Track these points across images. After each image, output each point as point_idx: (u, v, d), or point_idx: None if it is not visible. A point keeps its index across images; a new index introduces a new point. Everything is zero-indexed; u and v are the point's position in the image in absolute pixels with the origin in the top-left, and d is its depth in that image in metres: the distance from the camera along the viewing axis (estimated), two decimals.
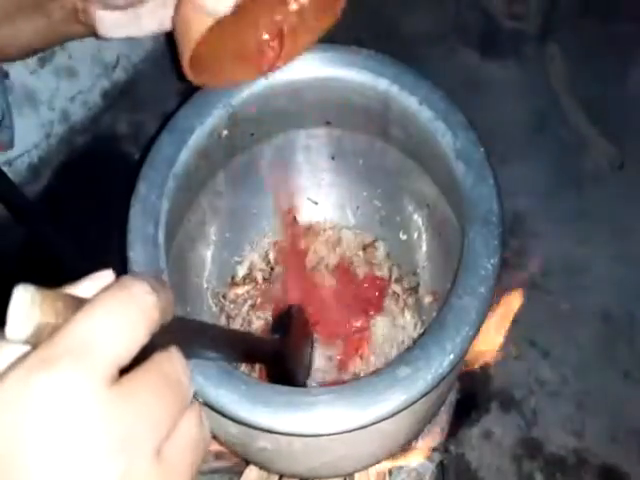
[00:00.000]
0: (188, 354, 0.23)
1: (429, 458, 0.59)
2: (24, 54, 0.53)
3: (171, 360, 0.22)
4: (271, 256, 0.64)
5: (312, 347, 0.55)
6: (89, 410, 0.18)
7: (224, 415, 0.38)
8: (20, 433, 0.17)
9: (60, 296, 0.19)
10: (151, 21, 0.49)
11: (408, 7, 1.05)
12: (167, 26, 0.48)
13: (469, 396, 0.74)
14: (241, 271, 0.63)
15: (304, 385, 0.52)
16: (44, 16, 0.46)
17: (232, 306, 0.62)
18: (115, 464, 0.18)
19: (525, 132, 0.96)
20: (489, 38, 1.03)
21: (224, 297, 0.62)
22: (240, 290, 0.62)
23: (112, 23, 0.47)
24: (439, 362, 0.40)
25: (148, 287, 0.21)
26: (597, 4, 1.02)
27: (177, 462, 0.21)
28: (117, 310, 0.20)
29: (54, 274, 0.77)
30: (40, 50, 0.55)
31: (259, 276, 0.63)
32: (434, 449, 0.62)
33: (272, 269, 0.63)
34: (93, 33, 0.50)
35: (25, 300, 0.18)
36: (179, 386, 0.21)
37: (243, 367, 0.56)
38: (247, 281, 0.63)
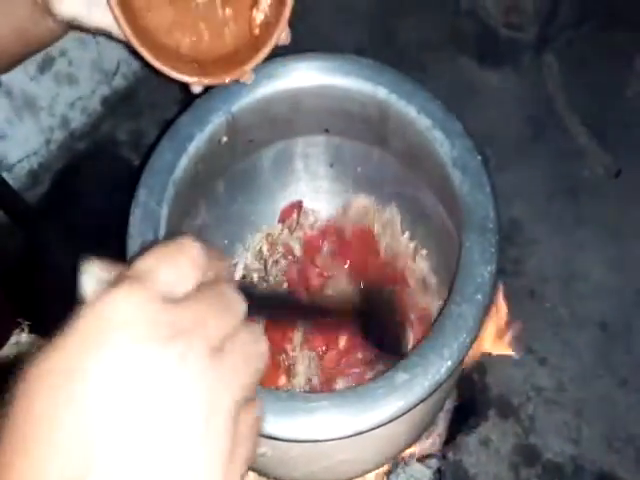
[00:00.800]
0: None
1: (427, 464, 0.59)
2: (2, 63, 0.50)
3: (223, 285, 0.25)
4: (264, 248, 0.64)
5: None
6: (147, 310, 0.22)
7: None
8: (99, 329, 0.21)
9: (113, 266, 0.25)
10: (100, 11, 0.45)
11: (407, 15, 1.06)
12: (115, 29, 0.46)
13: (467, 403, 0.74)
14: (237, 275, 0.63)
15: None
16: (9, 7, 0.44)
17: None
18: (173, 345, 0.21)
19: (522, 140, 0.96)
20: (487, 47, 1.03)
21: None
22: None
23: None
24: (436, 369, 0.41)
25: (195, 242, 0.25)
26: (594, 13, 1.03)
27: (232, 364, 0.23)
28: (169, 253, 0.24)
29: (53, 278, 0.78)
30: (16, 58, 0.51)
31: (255, 276, 0.63)
32: (432, 455, 0.62)
33: (266, 265, 0.63)
34: (55, 34, 0.47)
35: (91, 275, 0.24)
36: (231, 301, 0.25)
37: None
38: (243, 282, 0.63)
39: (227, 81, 0.50)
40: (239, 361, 0.23)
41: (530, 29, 0.99)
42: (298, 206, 0.66)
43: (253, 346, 0.24)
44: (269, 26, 0.48)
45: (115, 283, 0.22)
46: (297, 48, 0.54)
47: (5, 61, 0.50)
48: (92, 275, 0.24)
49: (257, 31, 0.49)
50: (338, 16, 1.07)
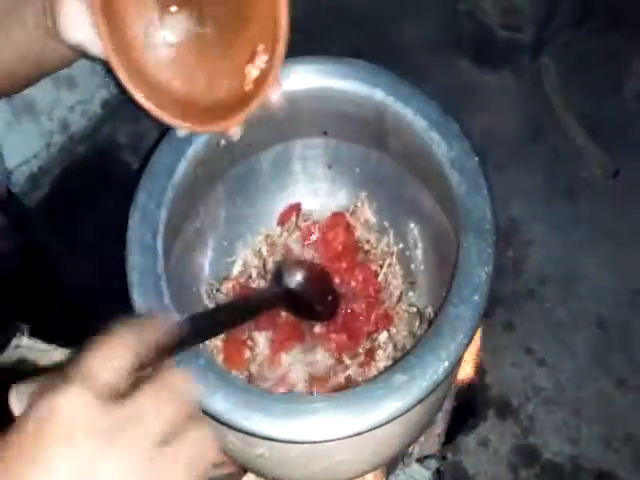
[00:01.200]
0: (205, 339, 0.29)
1: (426, 465, 0.59)
2: (7, 83, 0.51)
3: (172, 374, 0.26)
4: (264, 249, 0.64)
5: (329, 284, 0.58)
6: (85, 415, 0.23)
7: (221, 422, 0.39)
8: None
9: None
10: None
11: (404, 17, 1.06)
12: None
13: (466, 403, 0.74)
14: (236, 269, 0.64)
15: (331, 316, 0.56)
16: (19, 24, 0.46)
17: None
18: (114, 448, 0.23)
19: (520, 141, 0.97)
20: (484, 48, 1.04)
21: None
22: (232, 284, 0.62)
23: (73, 18, 0.44)
24: (434, 369, 0.41)
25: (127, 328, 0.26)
26: (591, 15, 1.03)
27: (174, 463, 0.24)
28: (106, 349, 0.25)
29: (52, 281, 0.78)
30: (31, 81, 0.53)
31: (254, 273, 0.63)
32: (431, 456, 0.62)
33: (265, 264, 0.64)
34: (68, 59, 0.49)
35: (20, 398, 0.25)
36: (176, 393, 0.25)
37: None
38: (242, 276, 0.63)
39: (212, 131, 0.50)
40: (183, 461, 0.24)
41: (528, 30, 1.00)
42: (297, 209, 0.66)
43: (200, 448, 0.25)
44: (260, 83, 0.47)
45: (53, 387, 0.23)
46: (294, 51, 0.55)
47: (21, 83, 0.52)
48: (23, 396, 0.25)
49: (249, 87, 0.48)
50: (336, 17, 1.07)
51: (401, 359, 0.42)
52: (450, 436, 0.71)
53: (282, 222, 0.66)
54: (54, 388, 0.23)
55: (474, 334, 0.44)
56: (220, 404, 0.38)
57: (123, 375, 0.25)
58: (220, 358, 0.57)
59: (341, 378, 0.55)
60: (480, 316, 0.45)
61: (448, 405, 0.67)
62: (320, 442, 0.38)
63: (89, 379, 0.24)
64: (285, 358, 0.56)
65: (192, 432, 0.25)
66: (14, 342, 0.56)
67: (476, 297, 0.45)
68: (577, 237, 0.90)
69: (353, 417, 0.39)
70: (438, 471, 0.61)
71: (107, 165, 0.90)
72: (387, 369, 0.43)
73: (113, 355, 0.25)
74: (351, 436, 0.38)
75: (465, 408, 0.74)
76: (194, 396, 0.26)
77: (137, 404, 0.24)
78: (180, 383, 0.26)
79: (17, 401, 0.24)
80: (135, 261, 0.45)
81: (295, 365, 0.55)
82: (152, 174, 0.50)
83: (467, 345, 0.43)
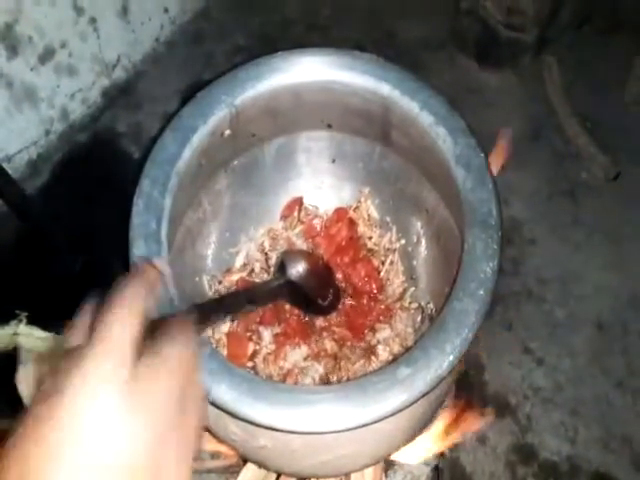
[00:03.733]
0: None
1: (425, 461, 0.59)
2: None
3: (183, 327, 0.27)
4: (266, 243, 0.64)
5: (330, 277, 0.58)
6: (115, 380, 0.24)
7: (225, 411, 0.38)
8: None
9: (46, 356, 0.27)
10: None
11: (408, 16, 1.06)
12: None
13: (465, 401, 0.74)
14: (238, 262, 0.63)
15: (332, 309, 0.56)
16: None
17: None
18: (141, 413, 0.23)
19: (521, 141, 0.97)
20: (487, 47, 1.04)
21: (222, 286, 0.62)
22: (235, 277, 0.61)
23: None
24: (439, 363, 0.41)
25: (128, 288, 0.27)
26: (594, 16, 1.04)
27: (187, 420, 0.25)
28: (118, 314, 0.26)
29: (52, 268, 0.77)
30: None
31: (257, 266, 0.63)
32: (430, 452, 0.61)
33: (267, 259, 0.63)
34: None
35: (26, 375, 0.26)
36: (191, 350, 0.27)
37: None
38: (244, 269, 0.62)
39: None
40: (194, 417, 0.26)
41: (530, 30, 1.00)
42: (299, 203, 0.65)
43: (202, 405, 0.27)
44: None
45: (72, 353, 0.24)
46: (297, 45, 0.55)
47: None
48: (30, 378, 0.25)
49: None
50: (338, 16, 1.07)
51: (405, 353, 0.42)
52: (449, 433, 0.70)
53: (285, 216, 0.65)
54: (73, 354, 0.24)
55: (479, 329, 0.43)
56: (226, 394, 0.38)
57: (139, 331, 0.25)
58: (224, 353, 0.56)
59: (344, 374, 0.55)
60: (485, 311, 0.44)
61: (447, 402, 0.66)
62: (323, 433, 0.38)
63: (107, 340, 0.24)
64: (290, 353, 0.55)
65: (198, 388, 0.27)
66: (11, 329, 0.55)
67: (481, 292, 0.45)
68: (577, 238, 0.90)
69: (357, 409, 0.38)
70: (437, 467, 0.61)
71: (106, 153, 0.89)
72: (390, 363, 0.42)
73: (127, 313, 0.25)
74: (355, 428, 0.38)
75: (464, 406, 0.74)
76: (199, 350, 0.27)
77: (156, 361, 0.25)
78: (190, 335, 0.27)
79: (24, 381, 0.24)
80: (139, 248, 0.45)
81: (300, 363, 0.55)
82: (156, 162, 0.49)
83: (472, 339, 0.43)
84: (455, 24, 1.05)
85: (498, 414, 0.77)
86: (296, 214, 0.65)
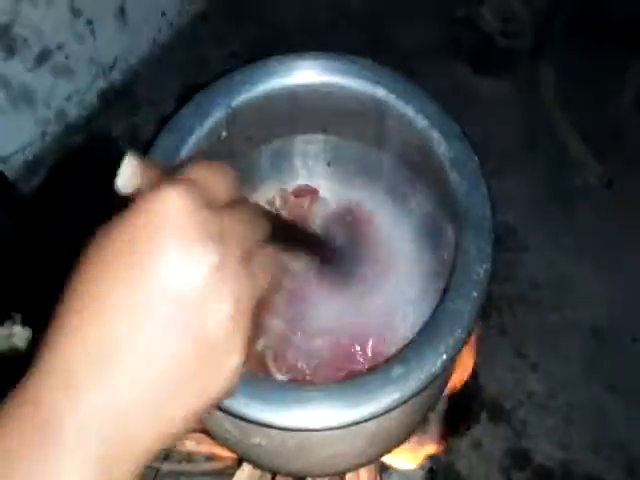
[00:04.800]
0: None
1: (420, 464, 0.59)
2: None
3: (250, 204, 0.28)
4: (277, 202, 0.64)
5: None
6: (198, 214, 0.24)
7: (220, 409, 0.38)
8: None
9: (156, 167, 0.25)
10: None
11: (404, 21, 1.07)
12: None
13: (459, 406, 0.74)
14: None
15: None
16: None
17: None
18: (214, 251, 0.23)
19: (516, 147, 0.98)
20: (483, 54, 1.05)
21: None
22: None
23: None
24: (432, 362, 0.41)
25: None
26: (589, 24, 1.05)
27: (258, 274, 0.25)
28: (215, 166, 0.26)
29: (46, 269, 0.77)
30: None
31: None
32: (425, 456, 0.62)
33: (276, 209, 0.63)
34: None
35: (132, 167, 0.24)
36: (258, 219, 0.27)
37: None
38: None
39: None
40: (264, 273, 0.26)
41: (526, 38, 1.01)
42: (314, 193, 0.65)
43: (272, 264, 0.27)
44: None
45: (169, 182, 0.23)
46: (293, 50, 0.55)
47: None
48: (135, 170, 0.24)
49: None
50: (334, 21, 1.08)
51: (399, 351, 0.42)
52: (443, 438, 0.70)
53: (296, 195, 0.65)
54: (162, 187, 0.23)
55: (472, 330, 0.44)
56: None
57: (226, 199, 0.25)
58: None
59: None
60: (478, 313, 0.45)
61: (441, 406, 0.67)
62: (317, 431, 0.38)
63: (197, 185, 0.24)
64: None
65: (267, 250, 0.27)
66: (6, 330, 0.55)
67: (474, 293, 0.45)
68: (571, 244, 0.91)
69: (351, 407, 0.38)
70: (431, 470, 0.61)
71: (102, 155, 0.90)
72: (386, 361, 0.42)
73: (218, 171, 0.26)
74: (349, 425, 0.38)
75: (458, 410, 0.74)
76: (269, 227, 0.28)
77: (237, 218, 0.25)
78: (261, 213, 0.28)
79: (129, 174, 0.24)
80: None
81: None
82: None
83: (465, 340, 0.43)
84: (451, 31, 1.06)
85: (492, 419, 0.77)
86: (306, 205, 0.65)
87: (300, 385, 0.47)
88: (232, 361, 0.25)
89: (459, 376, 0.70)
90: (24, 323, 0.56)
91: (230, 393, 0.26)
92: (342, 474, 0.54)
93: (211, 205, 0.24)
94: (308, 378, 0.52)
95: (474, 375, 0.78)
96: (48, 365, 0.22)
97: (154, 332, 0.23)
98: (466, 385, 0.75)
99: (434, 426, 0.66)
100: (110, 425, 0.22)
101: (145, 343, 0.23)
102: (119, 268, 0.23)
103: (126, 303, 0.23)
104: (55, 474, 0.21)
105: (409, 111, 0.54)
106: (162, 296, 0.23)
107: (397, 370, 0.40)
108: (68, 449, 0.21)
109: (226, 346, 0.24)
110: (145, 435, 0.23)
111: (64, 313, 0.23)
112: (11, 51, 0.77)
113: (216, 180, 0.25)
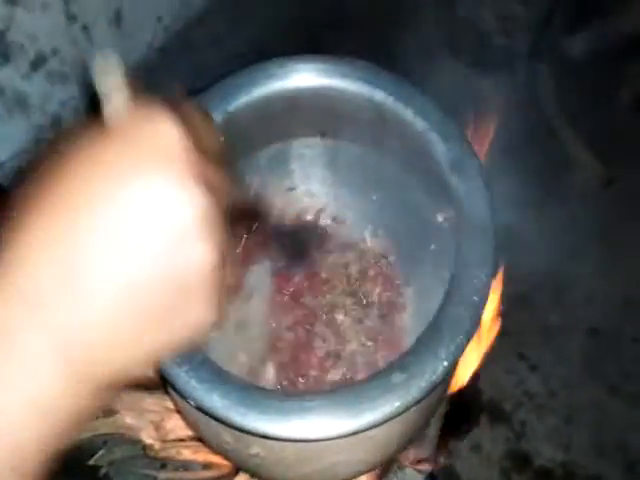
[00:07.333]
0: None
1: (419, 469, 0.59)
2: None
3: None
4: None
5: None
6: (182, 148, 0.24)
7: (217, 419, 0.38)
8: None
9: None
10: None
11: (402, 22, 1.06)
12: None
13: (459, 408, 0.74)
14: None
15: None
16: None
17: None
18: (206, 196, 0.23)
19: (515, 147, 0.97)
20: (481, 54, 1.04)
21: None
22: None
23: None
24: (433, 369, 0.40)
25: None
26: (587, 23, 1.04)
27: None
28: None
29: None
30: None
31: None
32: (424, 460, 0.61)
33: None
34: None
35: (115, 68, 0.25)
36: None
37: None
38: None
39: None
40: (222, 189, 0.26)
41: (524, 37, 1.01)
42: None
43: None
44: None
45: (165, 111, 0.24)
46: (292, 52, 0.55)
47: None
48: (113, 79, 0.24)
49: None
50: (333, 22, 1.08)
51: (400, 358, 0.41)
52: (443, 440, 0.70)
53: None
54: (161, 113, 0.24)
55: (473, 335, 0.43)
56: (217, 402, 0.38)
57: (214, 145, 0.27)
58: None
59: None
60: (480, 317, 0.44)
61: (441, 409, 0.66)
62: (316, 441, 0.37)
63: (192, 130, 0.25)
64: None
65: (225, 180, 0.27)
66: None
67: (475, 298, 0.45)
68: (570, 244, 0.90)
69: (351, 416, 0.38)
70: (431, 475, 0.61)
71: None
72: (386, 366, 0.42)
73: (209, 125, 0.27)
74: (348, 435, 0.38)
75: (458, 413, 0.74)
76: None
77: (221, 175, 0.25)
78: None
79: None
80: None
81: None
82: None
83: (466, 346, 0.43)
84: (450, 31, 1.06)
85: (492, 421, 0.77)
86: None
87: (299, 394, 0.47)
88: (203, 309, 0.24)
89: (461, 379, 0.70)
90: None
91: (198, 340, 0.26)
92: None
93: (202, 154, 0.24)
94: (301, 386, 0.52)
95: (474, 377, 0.78)
96: (14, 284, 0.22)
97: (129, 258, 0.22)
98: (466, 387, 0.75)
99: (434, 429, 0.66)
100: (76, 345, 0.22)
101: (118, 269, 0.22)
102: (102, 183, 0.22)
103: (103, 223, 0.22)
104: (19, 385, 0.21)
105: (408, 113, 0.54)
106: (143, 223, 0.22)
107: (397, 377, 0.39)
108: (34, 366, 0.21)
109: (198, 293, 0.24)
110: (112, 358, 0.23)
111: (35, 226, 0.22)
112: (6, 57, 0.77)
113: (208, 134, 0.26)
